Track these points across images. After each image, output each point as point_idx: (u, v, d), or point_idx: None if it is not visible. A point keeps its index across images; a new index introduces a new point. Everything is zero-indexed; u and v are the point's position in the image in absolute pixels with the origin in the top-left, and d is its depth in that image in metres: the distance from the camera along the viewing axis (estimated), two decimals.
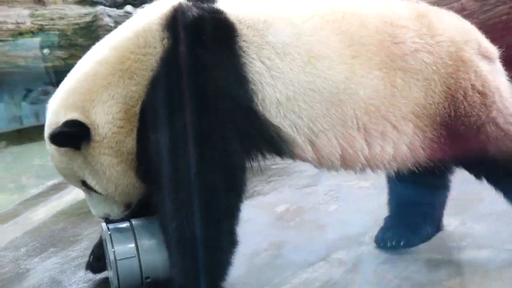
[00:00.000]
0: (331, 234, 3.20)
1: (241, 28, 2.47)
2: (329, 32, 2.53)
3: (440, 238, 3.07)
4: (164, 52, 2.44)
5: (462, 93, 2.60)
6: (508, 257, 2.83)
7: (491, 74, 2.67)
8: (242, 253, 2.55)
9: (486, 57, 2.70)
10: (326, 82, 2.47)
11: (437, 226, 3.09)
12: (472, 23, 2.83)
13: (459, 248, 2.99)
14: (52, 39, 6.27)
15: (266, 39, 2.47)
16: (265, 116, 2.45)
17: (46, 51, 6.20)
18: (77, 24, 6.36)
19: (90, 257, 2.94)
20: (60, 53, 6.23)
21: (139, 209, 2.72)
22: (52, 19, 6.35)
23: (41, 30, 6.28)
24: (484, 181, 2.76)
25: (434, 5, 2.82)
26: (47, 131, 2.57)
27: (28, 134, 5.71)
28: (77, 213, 3.83)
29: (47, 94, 2.68)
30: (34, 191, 4.50)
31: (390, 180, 2.99)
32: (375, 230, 3.08)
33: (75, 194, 3.94)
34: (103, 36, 2.65)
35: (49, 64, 6.16)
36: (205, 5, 2.51)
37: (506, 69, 2.80)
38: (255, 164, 2.54)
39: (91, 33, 6.23)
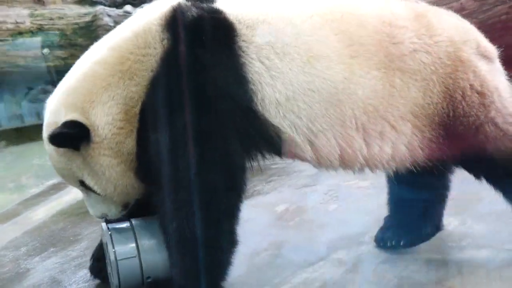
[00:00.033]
0: (330, 233, 3.20)
1: (240, 28, 2.47)
2: (328, 31, 2.53)
3: (440, 238, 3.07)
4: (164, 52, 2.44)
5: (461, 93, 2.60)
6: (507, 257, 2.84)
7: (490, 74, 2.67)
8: (242, 253, 2.55)
9: (485, 57, 2.70)
10: (325, 82, 2.47)
11: (437, 226, 3.09)
12: (471, 22, 2.82)
13: (459, 248, 2.99)
14: (51, 39, 6.26)
15: (266, 39, 2.48)
16: (264, 116, 2.46)
17: (45, 50, 6.19)
18: (77, 23, 6.36)
19: (91, 260, 2.93)
20: (59, 52, 6.22)
21: (138, 209, 2.72)
22: (51, 18, 6.34)
23: (40, 29, 6.27)
24: (484, 181, 2.76)
25: (433, 5, 2.82)
26: (46, 131, 2.56)
27: (28, 134, 5.70)
28: (77, 213, 3.83)
29: (47, 93, 2.68)
30: (34, 190, 4.50)
31: (389, 179, 2.99)
32: (374, 230, 3.09)
33: (75, 194, 3.92)
34: (103, 36, 2.65)
35: (49, 64, 6.15)
36: (205, 5, 2.51)
37: (505, 69, 2.79)
38: (255, 164, 2.54)
39: (91, 32, 6.23)
